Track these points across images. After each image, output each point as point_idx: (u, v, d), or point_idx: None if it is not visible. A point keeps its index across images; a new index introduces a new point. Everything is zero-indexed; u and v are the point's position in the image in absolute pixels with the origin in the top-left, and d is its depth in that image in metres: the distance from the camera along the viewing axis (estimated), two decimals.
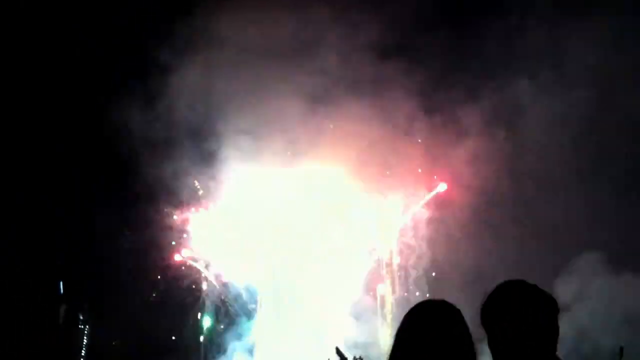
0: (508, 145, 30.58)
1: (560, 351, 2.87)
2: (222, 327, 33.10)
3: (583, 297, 26.20)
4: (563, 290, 25.04)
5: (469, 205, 29.75)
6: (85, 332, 33.99)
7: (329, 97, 30.62)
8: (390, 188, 32.32)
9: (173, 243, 32.72)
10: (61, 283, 32.31)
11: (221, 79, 30.04)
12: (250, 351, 32.54)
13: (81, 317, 33.89)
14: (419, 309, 2.88)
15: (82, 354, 34.10)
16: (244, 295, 33.21)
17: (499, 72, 29.89)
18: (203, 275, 33.42)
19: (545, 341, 2.73)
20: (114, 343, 32.53)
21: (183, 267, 33.18)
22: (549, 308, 2.85)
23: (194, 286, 33.32)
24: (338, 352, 24.63)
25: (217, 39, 29.40)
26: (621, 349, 24.39)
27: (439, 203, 31.86)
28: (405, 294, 31.81)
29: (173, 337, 33.16)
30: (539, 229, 29.03)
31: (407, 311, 2.87)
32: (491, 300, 2.90)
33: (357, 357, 28.48)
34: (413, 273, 31.60)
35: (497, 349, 2.78)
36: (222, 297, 33.27)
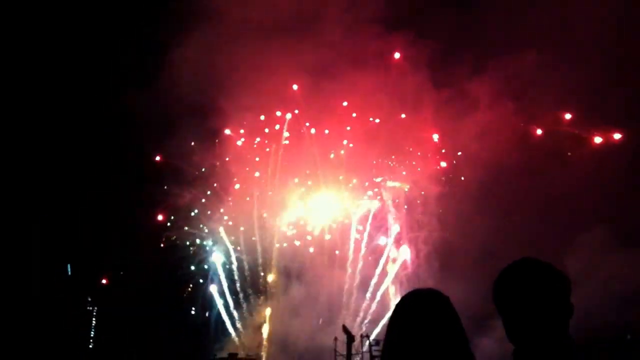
0: (517, 119, 30.48)
1: (572, 326, 2.92)
2: (232, 303, 33.10)
3: (591, 273, 26.40)
4: (571, 266, 25.22)
5: (478, 179, 29.66)
6: (94, 313, 34.06)
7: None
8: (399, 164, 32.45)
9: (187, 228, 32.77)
10: (69, 265, 32.21)
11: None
12: (261, 327, 32.78)
13: (89, 299, 33.92)
14: (407, 299, 2.90)
15: (91, 335, 34.22)
16: (254, 272, 33.30)
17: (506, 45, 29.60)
18: (212, 252, 33.36)
19: (556, 320, 2.79)
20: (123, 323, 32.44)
21: (192, 246, 33.10)
22: (560, 287, 2.87)
23: (203, 264, 33.26)
24: (345, 329, 24.90)
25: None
26: (627, 334, 24.81)
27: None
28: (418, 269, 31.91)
29: (182, 315, 33.19)
30: (547, 203, 29.03)
31: (397, 302, 2.89)
32: (503, 279, 2.92)
33: (364, 334, 28.91)
34: (424, 249, 31.65)
35: (509, 326, 2.85)
36: (233, 274, 33.26)
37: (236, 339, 32.50)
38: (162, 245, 32.46)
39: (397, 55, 31.76)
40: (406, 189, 32.78)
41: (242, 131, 33.31)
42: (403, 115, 31.86)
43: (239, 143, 33.28)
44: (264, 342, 32.35)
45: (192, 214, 33.24)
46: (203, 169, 32.89)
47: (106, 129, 30.69)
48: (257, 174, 33.29)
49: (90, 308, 33.97)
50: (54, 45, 29.93)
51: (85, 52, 30.16)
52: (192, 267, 33.24)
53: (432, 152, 32.01)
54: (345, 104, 32.09)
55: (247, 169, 33.34)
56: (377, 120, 32.32)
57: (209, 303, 33.03)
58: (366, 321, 31.05)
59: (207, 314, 33.15)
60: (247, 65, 29.95)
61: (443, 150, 32.35)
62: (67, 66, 29.85)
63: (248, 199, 33.25)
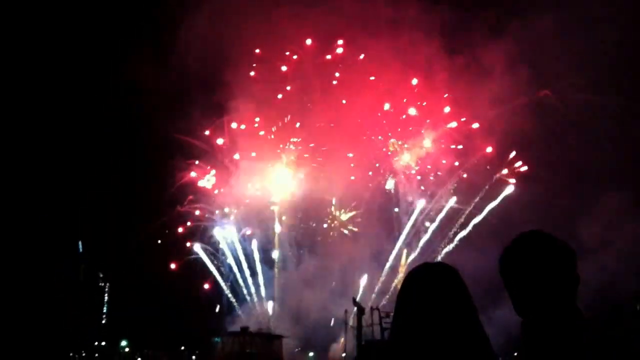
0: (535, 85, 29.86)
1: (585, 296, 2.89)
2: (243, 278, 32.98)
3: (609, 240, 25.86)
4: (588, 234, 24.67)
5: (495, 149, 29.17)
6: (106, 289, 34.24)
7: None
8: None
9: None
10: (80, 242, 32.27)
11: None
12: (272, 299, 32.72)
13: (101, 275, 34.05)
14: (416, 272, 2.85)
15: (104, 311, 34.43)
16: (266, 245, 33.17)
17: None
18: (223, 227, 33.15)
19: (561, 291, 2.78)
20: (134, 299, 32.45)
21: (201, 221, 32.93)
22: (565, 258, 2.83)
23: (214, 239, 33.11)
24: (355, 302, 24.72)
25: None
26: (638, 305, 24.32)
27: None
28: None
29: (194, 290, 33.08)
30: (567, 170, 28.41)
31: (405, 275, 2.81)
32: (508, 252, 2.88)
33: (375, 307, 28.80)
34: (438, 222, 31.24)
35: (516, 300, 2.83)
36: (243, 248, 33.12)
37: (247, 313, 32.41)
38: (170, 221, 32.24)
39: None
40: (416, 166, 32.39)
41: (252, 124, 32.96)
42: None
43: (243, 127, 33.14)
44: (274, 316, 32.28)
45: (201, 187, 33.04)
46: (213, 143, 32.70)
47: (119, 107, 30.66)
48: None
49: (103, 284, 34.15)
50: (63, 27, 29.87)
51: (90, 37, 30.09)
52: (203, 243, 33.06)
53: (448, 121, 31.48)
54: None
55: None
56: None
57: (221, 277, 32.95)
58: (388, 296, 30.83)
59: (218, 289, 33.09)
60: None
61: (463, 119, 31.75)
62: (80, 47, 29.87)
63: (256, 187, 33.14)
